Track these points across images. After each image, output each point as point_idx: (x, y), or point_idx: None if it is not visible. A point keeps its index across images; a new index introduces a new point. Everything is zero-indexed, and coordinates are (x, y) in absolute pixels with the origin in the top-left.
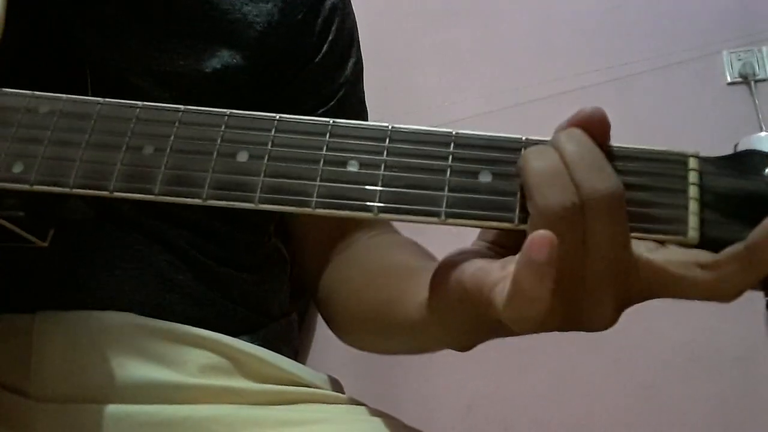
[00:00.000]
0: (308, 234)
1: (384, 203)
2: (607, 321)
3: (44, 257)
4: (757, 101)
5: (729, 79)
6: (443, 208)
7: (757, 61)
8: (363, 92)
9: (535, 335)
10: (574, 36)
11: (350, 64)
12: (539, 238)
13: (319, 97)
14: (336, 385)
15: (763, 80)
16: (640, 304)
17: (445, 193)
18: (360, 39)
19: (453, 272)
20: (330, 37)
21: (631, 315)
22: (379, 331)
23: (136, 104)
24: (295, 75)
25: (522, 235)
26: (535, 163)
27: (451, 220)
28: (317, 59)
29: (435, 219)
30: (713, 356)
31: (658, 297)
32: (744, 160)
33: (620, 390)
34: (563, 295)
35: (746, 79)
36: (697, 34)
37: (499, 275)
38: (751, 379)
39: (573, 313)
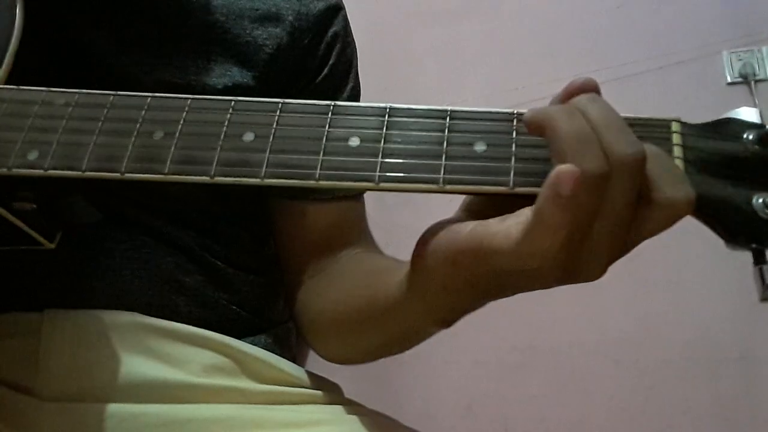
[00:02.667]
0: (295, 244)
1: (384, 173)
2: (600, 273)
3: (52, 257)
4: (757, 101)
5: (729, 79)
6: (441, 175)
7: (757, 61)
8: None
9: (532, 331)
10: (574, 36)
11: (348, 88)
12: (565, 171)
13: None
14: (335, 387)
15: (763, 80)
16: (643, 305)
17: (443, 161)
18: (361, 39)
19: (442, 236)
20: (331, 61)
21: (632, 315)
22: (360, 326)
23: (147, 95)
24: (296, 94)
25: (513, 200)
26: (565, 125)
27: (449, 187)
28: (317, 80)
29: (434, 186)
30: (713, 356)
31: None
32: (723, 127)
33: (620, 390)
34: (569, 246)
35: (746, 79)
36: (697, 34)
37: (499, 226)
38: (751, 379)
39: (572, 265)
